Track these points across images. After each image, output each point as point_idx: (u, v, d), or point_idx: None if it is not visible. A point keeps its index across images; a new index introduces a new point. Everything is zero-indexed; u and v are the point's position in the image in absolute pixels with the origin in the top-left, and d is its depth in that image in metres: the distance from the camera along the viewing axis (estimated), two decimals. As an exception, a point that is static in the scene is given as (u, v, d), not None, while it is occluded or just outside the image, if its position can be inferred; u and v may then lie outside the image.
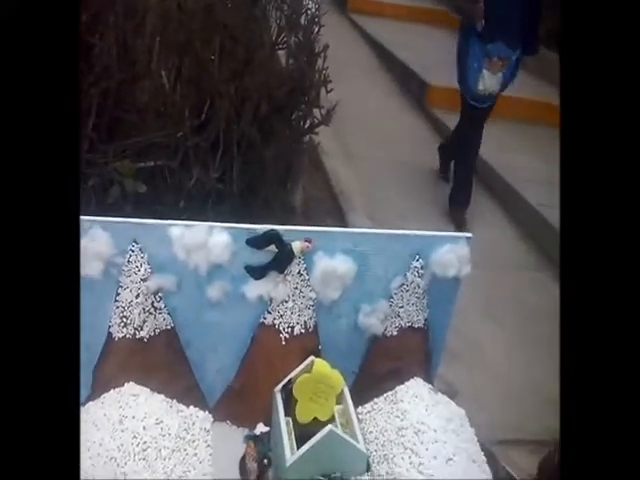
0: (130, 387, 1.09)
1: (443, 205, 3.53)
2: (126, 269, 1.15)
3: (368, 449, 1.10)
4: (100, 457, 0.96)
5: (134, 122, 2.15)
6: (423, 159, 4.06)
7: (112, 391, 1.09)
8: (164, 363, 1.19)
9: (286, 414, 1.14)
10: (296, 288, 1.24)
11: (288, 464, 1.04)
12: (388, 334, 1.29)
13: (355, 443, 1.07)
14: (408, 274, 1.27)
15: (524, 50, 3.14)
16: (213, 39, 2.23)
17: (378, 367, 1.28)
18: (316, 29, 2.52)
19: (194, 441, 1.07)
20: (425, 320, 1.31)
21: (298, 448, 1.06)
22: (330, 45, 2.55)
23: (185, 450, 1.04)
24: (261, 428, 1.14)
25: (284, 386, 1.18)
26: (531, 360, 2.53)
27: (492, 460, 1.20)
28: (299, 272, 1.23)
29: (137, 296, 1.16)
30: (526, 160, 4.00)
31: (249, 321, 1.24)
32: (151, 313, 1.18)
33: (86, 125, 2.01)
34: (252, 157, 2.29)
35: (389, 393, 1.18)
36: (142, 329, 1.17)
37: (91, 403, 1.09)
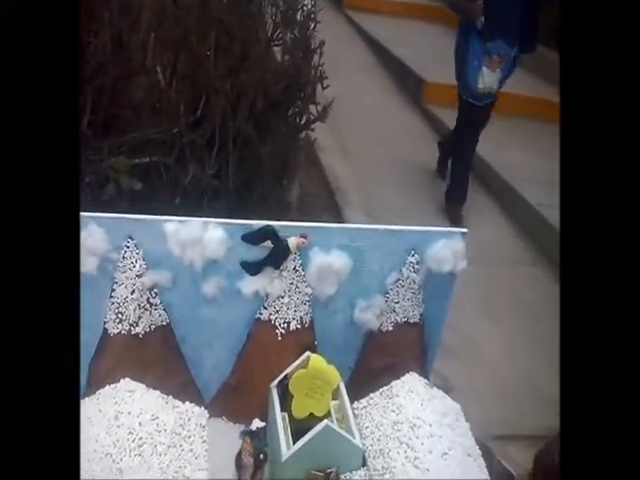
0: (126, 383, 1.09)
1: (439, 201, 3.53)
2: (121, 265, 1.15)
3: (364, 444, 1.10)
4: (96, 453, 0.96)
5: (129, 118, 2.14)
6: (419, 155, 4.07)
7: (107, 387, 1.08)
8: (160, 359, 1.19)
9: (282, 409, 1.14)
10: (292, 284, 1.24)
11: (284, 459, 1.04)
12: (384, 329, 1.30)
13: (351, 438, 1.07)
14: (404, 269, 1.27)
15: (522, 47, 3.14)
16: (209, 35, 2.22)
17: (374, 362, 1.28)
18: (312, 25, 2.51)
19: (190, 437, 1.07)
20: (421, 315, 1.31)
21: (294, 443, 1.06)
22: (326, 41, 2.55)
23: (181, 446, 1.04)
24: (257, 423, 1.14)
25: (280, 382, 1.18)
26: (527, 356, 2.53)
27: (487, 454, 1.20)
28: (295, 268, 1.23)
29: (132, 292, 1.16)
30: (523, 157, 4.00)
31: (245, 317, 1.24)
32: (146, 309, 1.18)
33: (81, 122, 2.00)
34: (248, 153, 2.29)
35: (385, 388, 1.19)
36: (137, 325, 1.17)
37: (87, 399, 1.09)
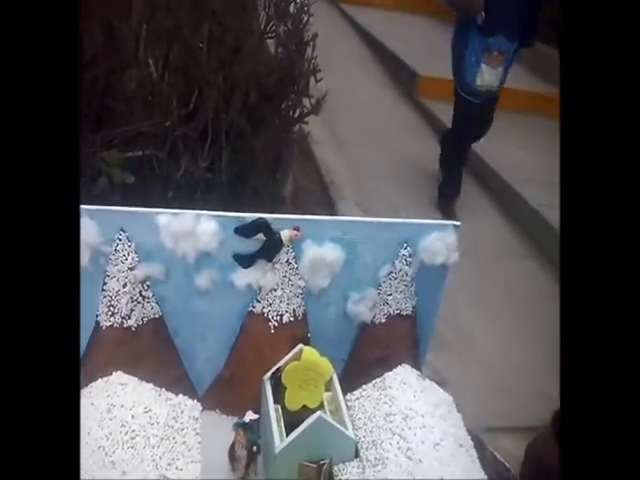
0: (118, 376, 1.09)
1: (433, 195, 3.54)
2: (113, 258, 1.15)
3: (357, 435, 1.11)
4: (88, 446, 0.96)
5: (121, 111, 2.13)
6: (413, 149, 4.07)
7: (100, 380, 1.08)
8: (152, 352, 1.19)
9: (275, 402, 1.14)
10: (285, 276, 1.24)
11: (277, 451, 1.04)
12: (377, 322, 1.30)
13: (344, 429, 1.08)
14: (396, 262, 1.27)
15: (521, 42, 3.11)
16: (201, 27, 2.20)
17: (367, 354, 1.28)
18: (305, 18, 2.50)
19: (183, 429, 1.07)
20: (413, 308, 1.31)
21: (287, 435, 1.06)
22: (319, 34, 2.53)
23: (174, 438, 1.04)
24: (250, 416, 1.14)
25: (273, 374, 1.18)
26: (520, 348, 2.55)
27: (479, 445, 1.21)
28: (288, 260, 1.23)
29: (125, 285, 1.16)
30: (518, 152, 4.01)
31: (238, 310, 1.24)
32: (139, 302, 1.17)
33: (80, 117, 1.98)
34: (241, 147, 2.28)
35: (377, 380, 1.19)
36: (130, 318, 1.16)
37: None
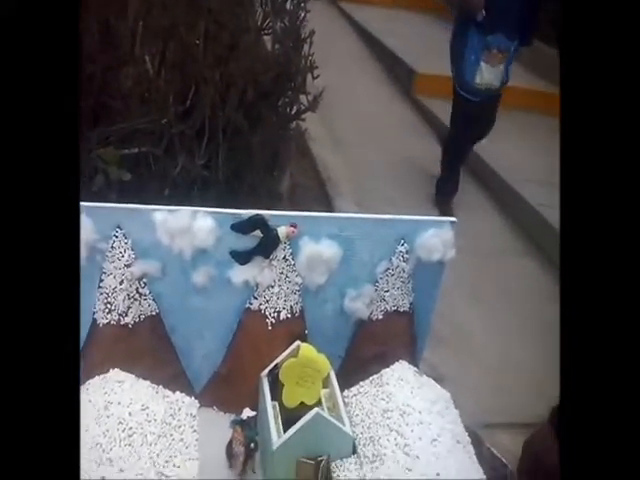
0: (115, 373, 1.09)
1: (430, 192, 3.54)
2: (110, 255, 1.14)
3: (354, 431, 1.11)
4: (85, 443, 0.96)
5: (118, 108, 2.12)
6: (411, 146, 4.07)
7: (97, 377, 1.08)
8: (149, 349, 1.19)
9: (273, 398, 1.14)
10: (282, 273, 1.24)
11: (275, 447, 1.04)
12: (374, 318, 1.30)
13: (341, 426, 1.08)
14: (393, 258, 1.27)
15: (521, 41, 3.10)
16: (198, 24, 2.20)
17: (364, 351, 1.28)
18: (302, 14, 2.50)
19: (180, 426, 1.07)
20: (410, 304, 1.31)
21: (285, 432, 1.06)
22: (316, 31, 2.53)
23: (171, 435, 1.04)
24: (248, 413, 1.14)
25: (270, 371, 1.18)
26: (518, 345, 2.55)
27: (477, 441, 1.21)
28: (285, 257, 1.23)
29: (121, 282, 1.15)
30: (515, 150, 4.01)
31: (235, 306, 1.24)
32: (136, 299, 1.17)
33: (80, 115, 1.98)
34: (238, 144, 2.28)
35: (375, 376, 1.19)
36: (127, 315, 1.16)
37: (76, 389, 1.08)
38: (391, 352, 1.26)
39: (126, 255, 1.15)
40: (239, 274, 1.22)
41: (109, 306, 1.15)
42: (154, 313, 1.20)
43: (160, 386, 1.11)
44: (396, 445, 1.05)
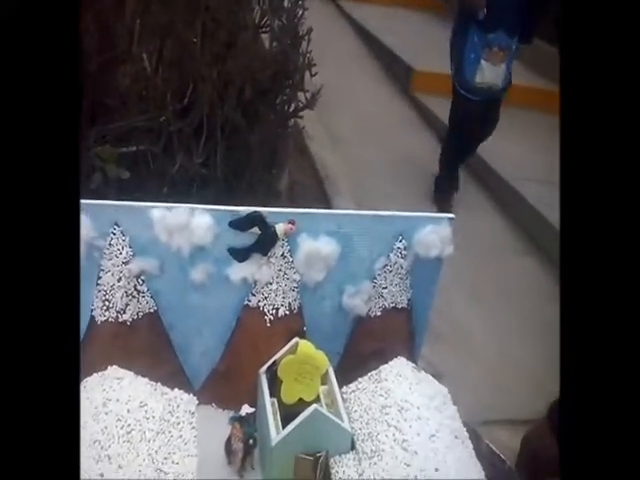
0: (114, 370, 1.09)
1: (429, 190, 3.54)
2: (107, 252, 1.14)
3: (353, 427, 1.11)
4: (84, 440, 0.96)
5: (116, 106, 2.12)
6: (409, 144, 4.07)
7: (95, 375, 1.08)
8: (148, 346, 1.19)
9: (271, 395, 1.14)
10: (280, 270, 1.24)
11: (274, 443, 1.04)
12: (372, 315, 1.30)
13: (340, 422, 1.08)
14: (391, 255, 1.27)
15: (521, 38, 3.09)
16: (195, 21, 2.20)
17: (362, 347, 1.29)
18: (300, 12, 2.49)
19: (179, 423, 1.07)
20: (408, 300, 1.32)
21: (284, 428, 1.06)
22: (314, 29, 2.53)
23: (170, 432, 1.04)
24: (246, 409, 1.14)
25: (269, 367, 1.18)
26: (516, 342, 2.56)
27: (475, 437, 1.21)
28: (283, 254, 1.23)
29: (119, 279, 1.15)
30: (514, 148, 4.01)
31: (233, 303, 1.24)
32: (134, 296, 1.17)
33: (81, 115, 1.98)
34: (236, 142, 2.28)
35: (373, 372, 1.19)
36: (125, 312, 1.16)
37: (74, 387, 1.08)
38: (389, 348, 1.26)
39: (124, 252, 1.15)
40: (237, 271, 1.22)
41: (107, 303, 1.15)
42: (152, 310, 1.20)
43: (159, 383, 1.11)
44: (394, 441, 1.05)
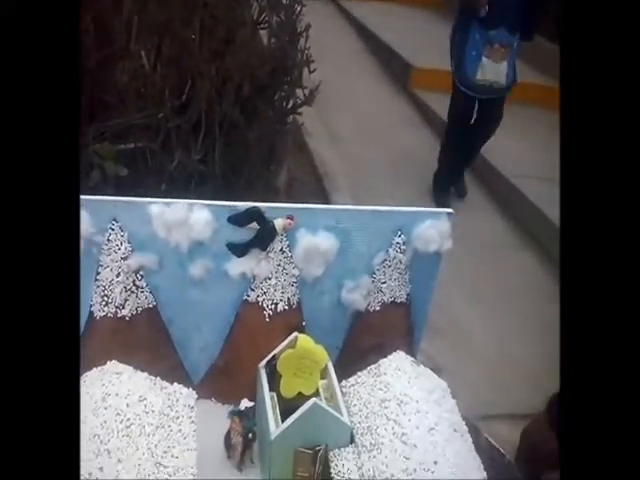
0: (113, 365, 1.09)
1: (428, 186, 3.54)
2: (106, 248, 1.14)
3: (352, 421, 1.11)
4: (83, 434, 0.96)
5: (114, 103, 2.12)
6: (408, 140, 4.07)
7: (94, 369, 1.08)
8: (147, 342, 1.19)
9: (270, 389, 1.14)
10: (279, 265, 1.24)
11: (273, 437, 1.04)
12: (371, 309, 1.30)
13: (339, 416, 1.08)
14: (390, 250, 1.27)
15: (523, 35, 3.08)
16: (193, 18, 2.20)
17: (361, 342, 1.29)
18: (298, 8, 2.49)
19: (178, 417, 1.07)
20: (407, 295, 1.32)
21: (283, 422, 1.06)
22: (312, 25, 2.53)
23: (169, 426, 1.05)
24: (246, 403, 1.14)
25: (268, 362, 1.18)
26: (514, 338, 2.56)
27: (474, 431, 1.22)
28: (282, 249, 1.23)
29: (118, 275, 1.15)
30: (514, 144, 4.00)
31: (232, 299, 1.24)
32: (133, 292, 1.17)
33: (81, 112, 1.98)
34: (235, 138, 2.28)
35: (372, 366, 1.19)
36: (124, 308, 1.16)
37: (74, 382, 1.08)
38: (388, 343, 1.26)
39: (122, 248, 1.15)
40: (236, 266, 1.22)
41: (106, 299, 1.15)
42: (151, 306, 1.20)
43: (158, 378, 1.11)
44: (394, 434, 1.05)
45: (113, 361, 1.10)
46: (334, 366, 1.20)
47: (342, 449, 1.08)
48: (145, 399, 1.04)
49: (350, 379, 1.20)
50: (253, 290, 1.24)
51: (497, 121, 3.30)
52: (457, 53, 3.15)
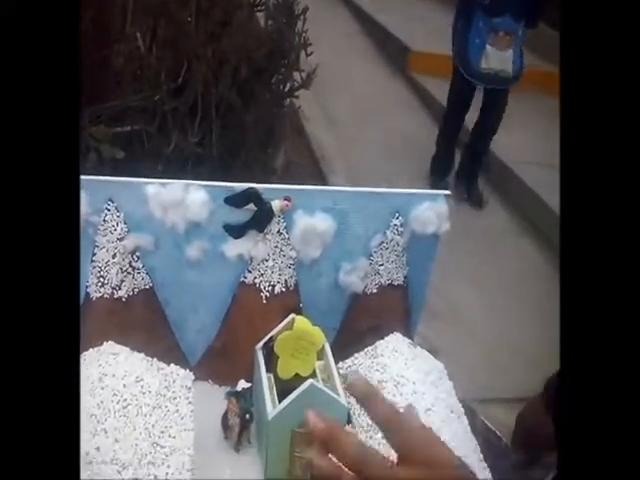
0: (109, 346, 1.09)
1: (426, 170, 3.54)
2: (102, 228, 1.14)
3: (349, 402, 1.11)
4: (80, 414, 0.96)
5: (110, 86, 2.10)
6: (406, 124, 4.05)
7: (91, 350, 1.08)
8: (143, 323, 1.18)
9: (268, 370, 1.14)
10: (276, 247, 1.23)
11: (270, 418, 1.04)
12: (368, 292, 1.30)
13: (336, 396, 1.08)
14: (388, 232, 1.27)
15: (528, 22, 3.04)
16: (189, 0, 2.17)
17: (358, 324, 1.29)
18: (295, -10, 2.47)
19: (175, 398, 1.07)
20: (405, 277, 1.31)
21: (280, 403, 1.06)
22: (310, 8, 2.50)
23: (166, 407, 1.05)
24: (243, 384, 1.14)
25: (265, 343, 1.18)
26: (512, 321, 2.57)
27: (470, 413, 1.22)
28: (279, 231, 1.22)
29: (114, 256, 1.15)
30: (514, 130, 3.98)
31: (229, 280, 1.24)
32: (129, 273, 1.17)
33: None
34: (232, 121, 2.26)
35: (369, 348, 1.19)
36: (120, 289, 1.16)
37: (70, 362, 1.08)
38: (385, 325, 1.26)
39: (118, 228, 1.14)
40: (233, 248, 1.21)
41: (102, 280, 1.15)
42: (148, 287, 1.19)
43: (154, 359, 1.11)
44: (390, 415, 1.05)
45: (110, 342, 1.09)
46: (331, 347, 1.20)
47: (339, 429, 1.08)
48: (142, 380, 1.04)
49: (347, 360, 1.20)
50: (250, 272, 1.23)
51: (501, 112, 3.28)
52: (460, 41, 3.11)
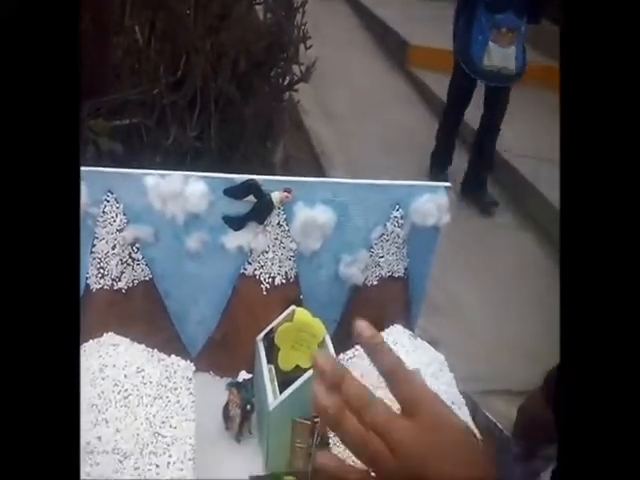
0: (110, 337, 1.09)
1: (425, 165, 3.53)
2: (101, 220, 1.13)
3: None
4: (81, 404, 0.95)
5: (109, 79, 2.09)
6: (403, 118, 4.04)
7: (91, 341, 1.08)
8: (143, 314, 1.18)
9: (268, 362, 1.14)
10: (276, 239, 1.23)
11: (271, 408, 1.05)
12: (369, 284, 1.30)
13: (336, 387, 1.08)
14: (388, 224, 1.26)
15: (530, 18, 3.02)
16: (188, -8, 2.16)
17: (359, 315, 1.27)
18: (294, -17, 2.46)
19: (176, 389, 1.07)
20: (405, 269, 1.31)
21: (281, 394, 1.06)
22: (309, 1, 2.49)
23: (167, 397, 1.04)
24: (244, 375, 1.14)
25: (266, 335, 1.18)
26: (512, 313, 2.57)
27: (471, 405, 1.22)
28: (279, 223, 1.22)
29: (114, 247, 1.14)
30: (512, 124, 3.98)
31: (229, 272, 1.24)
32: (129, 264, 1.17)
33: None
34: (230, 115, 2.25)
35: (370, 339, 1.19)
36: (120, 280, 1.16)
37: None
38: (386, 317, 1.26)
39: (118, 220, 1.14)
40: (233, 240, 1.21)
41: (102, 271, 1.15)
42: (147, 278, 1.19)
43: (155, 350, 1.11)
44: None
45: (110, 333, 1.09)
46: (332, 339, 1.20)
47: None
48: (143, 370, 1.04)
49: (348, 352, 1.20)
50: (250, 264, 1.23)
51: (504, 109, 3.27)
52: (462, 38, 3.08)
